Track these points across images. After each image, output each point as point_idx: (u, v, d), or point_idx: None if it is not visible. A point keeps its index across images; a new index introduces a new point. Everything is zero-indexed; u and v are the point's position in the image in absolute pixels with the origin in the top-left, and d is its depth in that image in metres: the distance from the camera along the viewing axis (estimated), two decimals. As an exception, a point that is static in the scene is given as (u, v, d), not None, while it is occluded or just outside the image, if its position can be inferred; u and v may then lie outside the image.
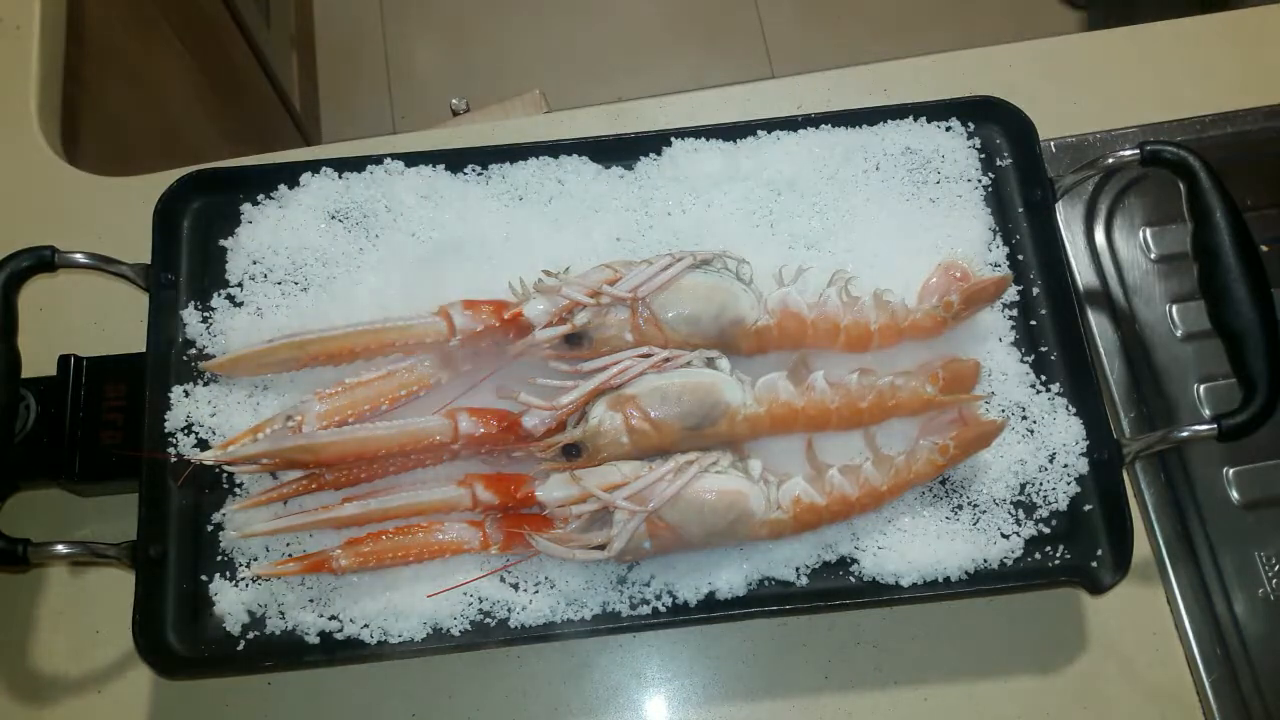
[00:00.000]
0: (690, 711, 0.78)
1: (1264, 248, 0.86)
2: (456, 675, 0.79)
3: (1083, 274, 0.90)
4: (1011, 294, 0.81)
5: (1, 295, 0.76)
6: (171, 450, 0.76)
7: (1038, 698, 0.78)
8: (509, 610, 0.73)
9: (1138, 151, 0.79)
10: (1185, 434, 0.75)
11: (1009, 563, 0.75)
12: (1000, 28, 2.14)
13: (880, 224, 0.82)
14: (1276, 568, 0.81)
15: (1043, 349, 0.80)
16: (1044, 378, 0.79)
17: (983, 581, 0.74)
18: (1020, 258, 0.82)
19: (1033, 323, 0.81)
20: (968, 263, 0.80)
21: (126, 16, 1.25)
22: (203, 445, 0.76)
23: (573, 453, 0.73)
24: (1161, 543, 0.82)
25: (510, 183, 0.84)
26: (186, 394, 0.78)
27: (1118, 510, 0.75)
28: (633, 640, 0.80)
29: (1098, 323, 0.89)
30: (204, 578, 0.74)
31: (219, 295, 0.81)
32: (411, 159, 0.84)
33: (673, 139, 0.85)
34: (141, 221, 0.82)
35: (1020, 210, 0.84)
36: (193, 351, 0.79)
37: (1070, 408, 0.78)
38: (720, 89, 0.97)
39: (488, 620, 0.73)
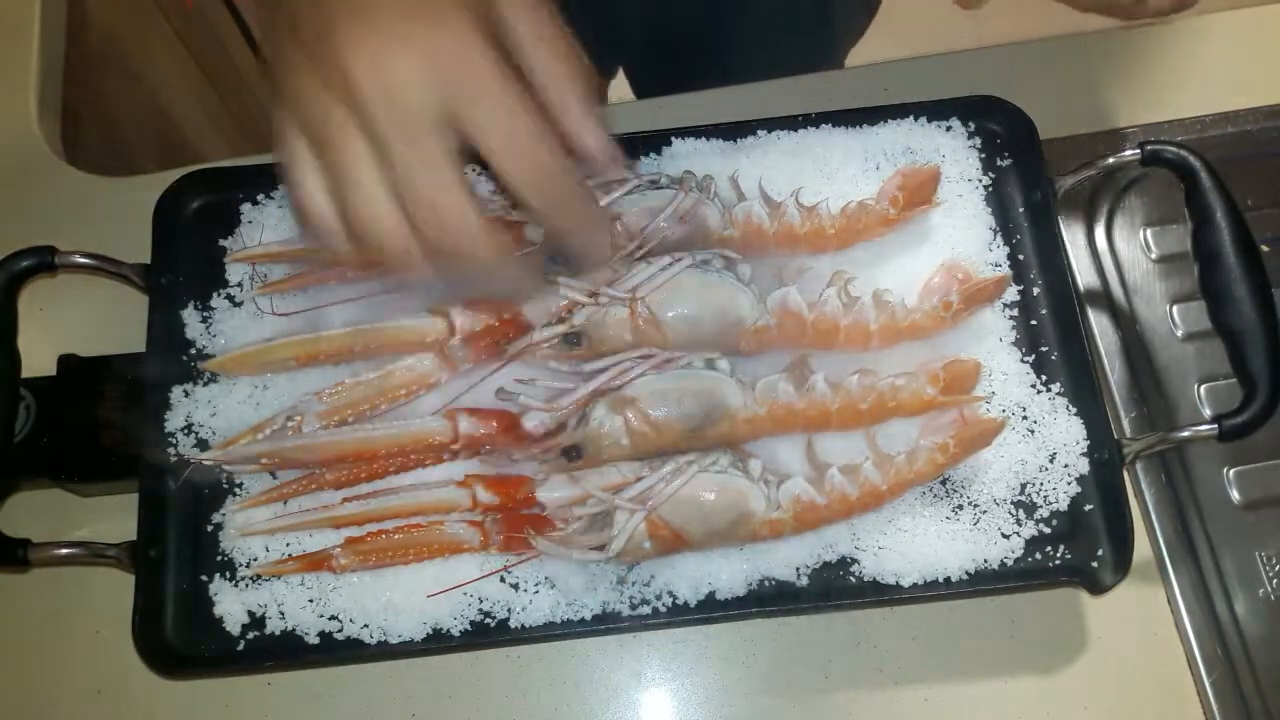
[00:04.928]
0: (690, 711, 0.78)
1: (1264, 248, 0.86)
2: (456, 675, 0.79)
3: (1083, 274, 0.90)
4: (1011, 294, 0.81)
5: (2, 295, 0.76)
6: (171, 450, 0.76)
7: (1038, 698, 0.78)
8: (509, 610, 0.73)
9: (1138, 151, 0.79)
10: (1185, 434, 0.75)
11: (1009, 563, 0.74)
12: (1000, 28, 2.13)
13: (880, 224, 0.82)
14: (1277, 568, 0.81)
15: (1043, 349, 0.80)
16: (1044, 378, 0.79)
17: (983, 581, 0.74)
18: (1020, 258, 0.82)
19: (1033, 323, 0.81)
20: (968, 263, 0.80)
21: (126, 17, 1.25)
22: (203, 445, 0.76)
23: (573, 454, 0.73)
24: (1162, 543, 0.82)
25: (510, 182, 0.84)
26: (186, 394, 0.78)
27: (1118, 510, 0.75)
28: (633, 640, 0.80)
29: (1098, 323, 0.88)
30: (204, 578, 0.74)
31: (219, 295, 0.80)
32: (411, 159, 0.84)
33: (673, 139, 0.85)
34: (141, 221, 0.82)
35: (1020, 210, 0.84)
36: (193, 351, 0.79)
37: (1070, 408, 0.78)
38: (720, 89, 0.96)
39: (488, 620, 0.73)
